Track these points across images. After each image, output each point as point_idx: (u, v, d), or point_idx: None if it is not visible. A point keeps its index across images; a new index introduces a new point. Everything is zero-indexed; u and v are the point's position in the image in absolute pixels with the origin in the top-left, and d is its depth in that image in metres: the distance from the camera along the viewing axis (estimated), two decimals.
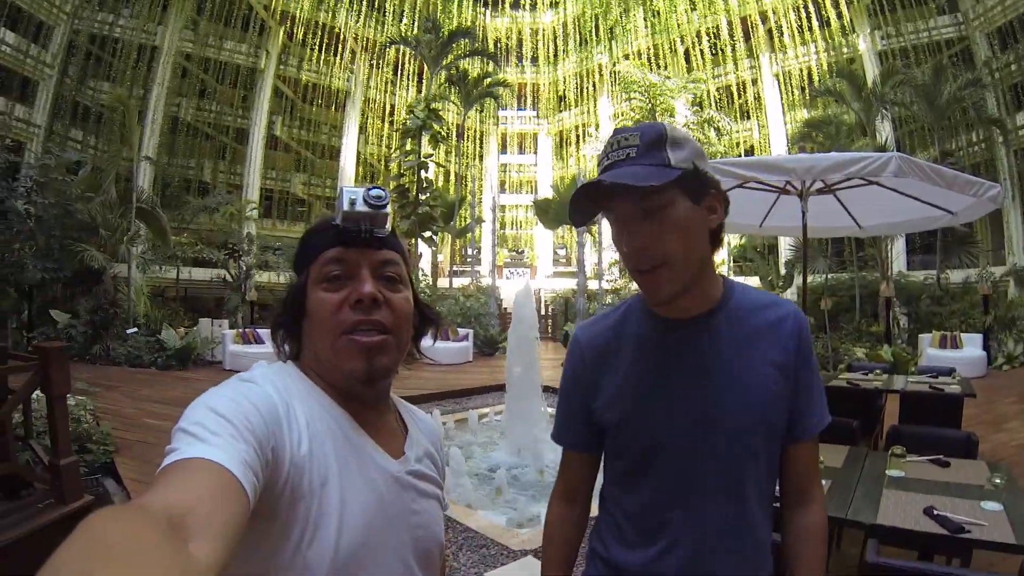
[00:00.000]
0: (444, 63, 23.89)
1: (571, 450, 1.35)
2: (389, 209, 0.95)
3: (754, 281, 21.94)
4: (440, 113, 22.84)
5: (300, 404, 0.84)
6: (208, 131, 28.98)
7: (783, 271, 20.71)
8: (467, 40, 24.87)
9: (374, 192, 0.92)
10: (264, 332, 13.70)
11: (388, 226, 0.96)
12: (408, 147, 22.43)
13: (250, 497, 0.65)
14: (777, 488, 1.28)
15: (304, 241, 0.97)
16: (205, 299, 24.14)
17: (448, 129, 25.84)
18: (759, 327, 1.19)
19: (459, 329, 15.77)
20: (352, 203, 0.91)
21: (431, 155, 22.53)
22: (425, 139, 22.02)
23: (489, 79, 25.17)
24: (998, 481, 2.55)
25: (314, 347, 0.93)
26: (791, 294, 20.49)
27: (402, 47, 28.05)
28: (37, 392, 3.97)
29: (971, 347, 12.52)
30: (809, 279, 19.80)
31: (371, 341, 0.90)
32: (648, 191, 1.05)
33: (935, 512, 2.32)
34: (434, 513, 1.01)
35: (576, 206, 1.15)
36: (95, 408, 6.24)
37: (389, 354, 0.93)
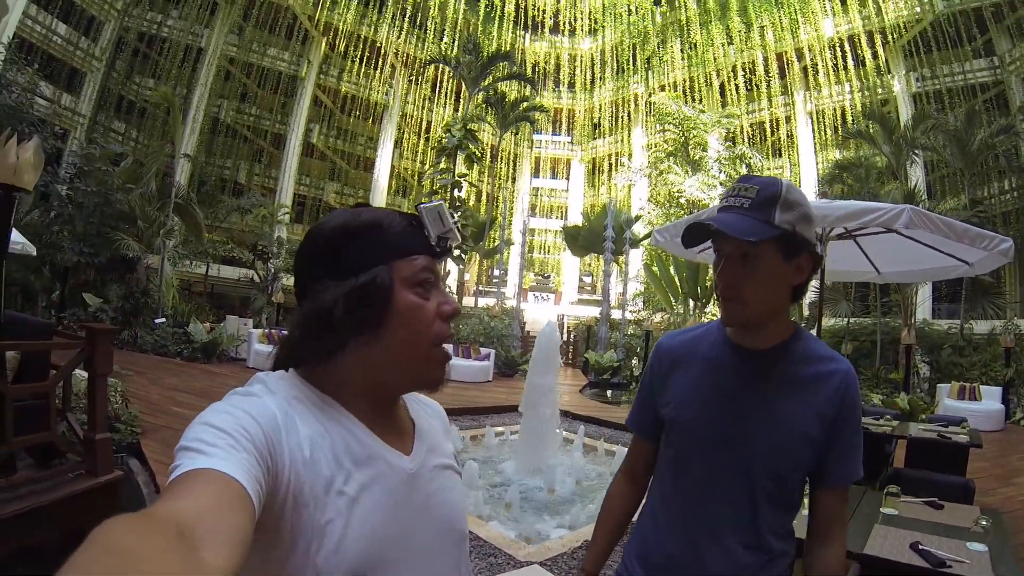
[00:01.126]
0: (483, 84, 24.25)
1: (638, 435, 1.57)
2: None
3: None
4: (476, 134, 23.22)
5: (302, 410, 0.84)
6: (246, 134, 29.57)
7: (807, 312, 20.65)
8: (506, 63, 25.26)
9: (456, 216, 0.96)
10: None
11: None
12: (443, 165, 22.81)
13: (255, 503, 0.67)
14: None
15: (377, 233, 0.91)
16: (231, 297, 24.68)
17: (483, 150, 26.05)
18: (812, 376, 1.34)
19: (481, 348, 15.90)
20: (453, 222, 0.94)
21: (465, 175, 22.86)
22: (460, 158, 22.35)
23: (526, 103, 25.48)
24: (985, 523, 2.67)
25: (388, 352, 0.89)
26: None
27: (441, 65, 28.61)
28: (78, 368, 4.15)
29: (990, 400, 12.39)
30: (831, 322, 19.90)
31: (450, 354, 0.95)
32: (738, 241, 1.25)
33: (920, 547, 2.44)
34: (456, 503, 1.00)
35: (689, 235, 1.35)
36: (125, 390, 6.46)
37: None
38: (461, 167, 22.60)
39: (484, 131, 27.32)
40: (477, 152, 23.00)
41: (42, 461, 4.12)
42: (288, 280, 21.70)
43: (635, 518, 1.59)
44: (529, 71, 35.93)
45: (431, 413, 1.09)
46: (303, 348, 0.89)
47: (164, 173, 17.60)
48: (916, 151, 20.37)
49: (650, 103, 32.41)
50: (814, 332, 19.91)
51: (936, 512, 3.05)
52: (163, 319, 14.10)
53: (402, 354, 0.89)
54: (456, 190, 22.44)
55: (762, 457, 1.32)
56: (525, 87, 28.23)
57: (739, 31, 31.60)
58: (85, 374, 4.35)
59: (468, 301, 25.80)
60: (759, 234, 1.23)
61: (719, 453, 1.35)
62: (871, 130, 20.93)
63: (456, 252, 22.63)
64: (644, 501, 1.55)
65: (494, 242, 28.99)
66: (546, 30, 37.45)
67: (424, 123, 34.74)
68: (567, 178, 40.31)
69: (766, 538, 1.34)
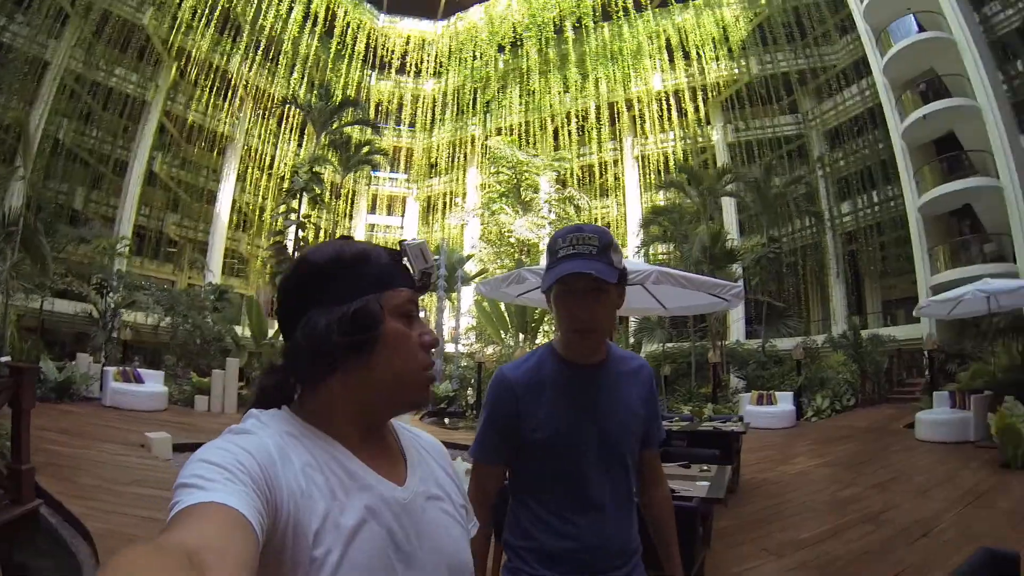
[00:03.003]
0: (331, 128, 24.98)
1: (492, 464, 1.75)
2: None
3: None
4: (321, 176, 23.88)
5: (294, 443, 0.85)
6: (87, 158, 27.42)
7: (632, 339, 22.98)
8: (354, 109, 26.20)
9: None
10: (145, 372, 14.09)
11: None
12: (284, 208, 23.37)
13: (257, 532, 0.68)
14: None
15: (368, 263, 0.95)
16: (64, 333, 23.13)
17: (324, 189, 26.47)
18: (628, 372, 1.73)
19: None
20: (431, 255, 1.00)
21: (309, 216, 23.40)
22: (305, 200, 22.93)
23: (368, 147, 26.44)
24: (706, 470, 4.22)
25: (377, 376, 0.92)
26: None
27: (295, 112, 29.19)
28: None
29: (784, 403, 14.92)
30: (652, 348, 22.27)
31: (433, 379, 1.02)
32: (602, 280, 1.53)
33: None
34: (453, 533, 1.00)
35: (547, 277, 1.61)
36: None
37: None
38: (305, 208, 23.17)
39: (327, 169, 27.47)
40: (322, 195, 23.63)
41: None
42: (129, 316, 20.91)
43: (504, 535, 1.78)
44: (373, 109, 36.67)
45: (427, 445, 1.11)
46: (294, 375, 0.92)
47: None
48: (717, 200, 23.40)
49: (486, 146, 33.86)
50: (645, 356, 22.02)
51: (685, 470, 4.59)
52: (7, 357, 13.68)
53: (390, 379, 0.92)
54: (300, 230, 23.00)
55: (616, 439, 1.66)
56: (367, 130, 28.82)
57: (575, 81, 33.99)
58: None
59: None
60: (612, 276, 1.54)
61: (587, 449, 1.64)
62: (685, 180, 23.92)
63: None
64: (515, 516, 1.74)
65: None
66: (393, 70, 38.27)
67: (268, 157, 34.25)
68: (402, 215, 41.05)
69: (628, 496, 1.73)
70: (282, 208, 23.59)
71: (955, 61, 19.28)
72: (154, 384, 13.83)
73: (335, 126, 25.60)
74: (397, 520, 0.89)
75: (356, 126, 27.96)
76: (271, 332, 20.57)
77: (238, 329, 21.51)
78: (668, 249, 25.67)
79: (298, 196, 23.07)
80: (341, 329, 0.88)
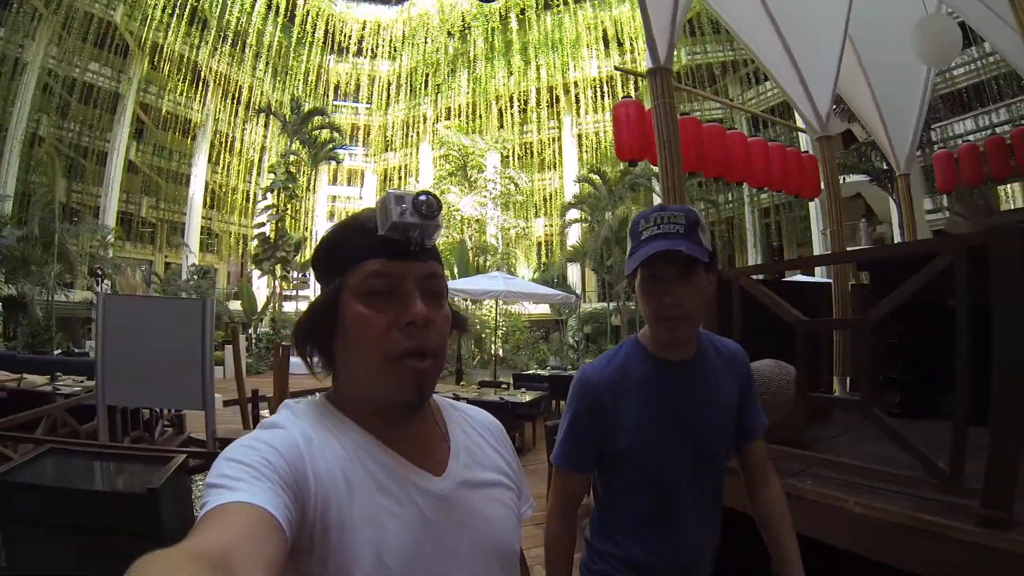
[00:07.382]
0: (302, 132, 28.13)
1: (578, 471, 1.61)
2: (441, 219, 0.88)
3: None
4: (295, 174, 27.13)
5: (325, 434, 0.83)
6: (66, 151, 28.22)
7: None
8: (322, 117, 29.38)
9: (425, 199, 0.84)
10: None
11: (437, 237, 0.90)
12: (269, 203, 26.57)
13: (286, 530, 0.68)
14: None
15: (336, 244, 0.89)
16: (74, 321, 24.83)
17: (299, 184, 29.10)
18: (722, 362, 1.59)
19: None
20: (402, 212, 0.82)
21: (287, 208, 26.71)
22: (282, 195, 26.21)
23: (331, 144, 29.59)
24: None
25: (352, 368, 0.87)
26: None
27: (253, 86, 31.88)
28: None
29: None
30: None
31: (423, 367, 0.85)
32: (691, 260, 1.40)
33: None
34: (501, 522, 0.95)
35: (631, 261, 1.47)
36: None
37: (435, 378, 0.89)
38: (282, 201, 26.35)
39: (298, 160, 29.81)
40: (296, 191, 26.77)
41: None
42: None
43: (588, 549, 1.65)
44: (332, 90, 39.42)
45: (479, 425, 1.05)
46: (305, 360, 0.90)
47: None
48: (617, 197, 26.80)
49: (435, 128, 36.49)
50: None
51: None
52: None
53: (361, 370, 0.86)
54: (280, 222, 26.14)
55: (709, 443, 1.54)
56: (333, 132, 31.00)
57: (519, 67, 36.92)
58: None
59: (289, 307, 28.63)
60: (702, 254, 1.40)
61: (678, 456, 1.50)
62: (595, 179, 27.65)
63: (279, 272, 26.26)
64: (600, 518, 1.64)
65: (306, 255, 30.77)
66: (350, 53, 40.61)
67: (237, 141, 36.12)
68: (361, 186, 42.94)
69: (718, 504, 1.62)
70: (268, 202, 26.50)
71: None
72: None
73: (306, 129, 28.27)
74: (433, 512, 0.85)
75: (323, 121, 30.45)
76: (259, 307, 23.62)
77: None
78: (587, 227, 28.79)
79: (277, 192, 26.01)
80: (310, 319, 0.87)
